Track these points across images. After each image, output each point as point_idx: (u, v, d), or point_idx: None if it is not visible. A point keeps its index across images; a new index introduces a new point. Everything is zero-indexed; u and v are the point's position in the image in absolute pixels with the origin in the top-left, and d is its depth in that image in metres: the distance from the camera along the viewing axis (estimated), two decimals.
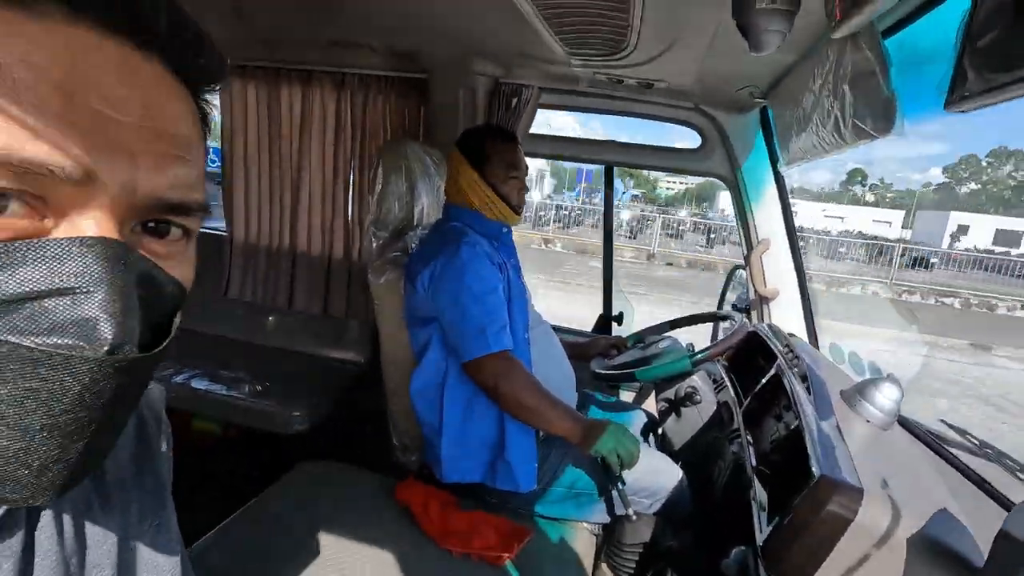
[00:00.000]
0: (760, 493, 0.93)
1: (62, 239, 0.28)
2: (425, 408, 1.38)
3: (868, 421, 0.98)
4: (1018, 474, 0.99)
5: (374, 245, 1.49)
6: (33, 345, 0.27)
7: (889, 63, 0.83)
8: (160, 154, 0.31)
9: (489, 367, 1.24)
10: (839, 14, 0.74)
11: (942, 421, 1.20)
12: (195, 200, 0.34)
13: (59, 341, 0.27)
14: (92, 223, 0.29)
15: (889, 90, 0.85)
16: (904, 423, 1.12)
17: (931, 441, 1.09)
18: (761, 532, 0.83)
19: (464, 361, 1.27)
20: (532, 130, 1.85)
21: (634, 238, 18.10)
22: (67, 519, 0.37)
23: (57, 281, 0.27)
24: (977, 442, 1.11)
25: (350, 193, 2.02)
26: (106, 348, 0.28)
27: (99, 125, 0.28)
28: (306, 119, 1.99)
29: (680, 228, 19.98)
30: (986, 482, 1.00)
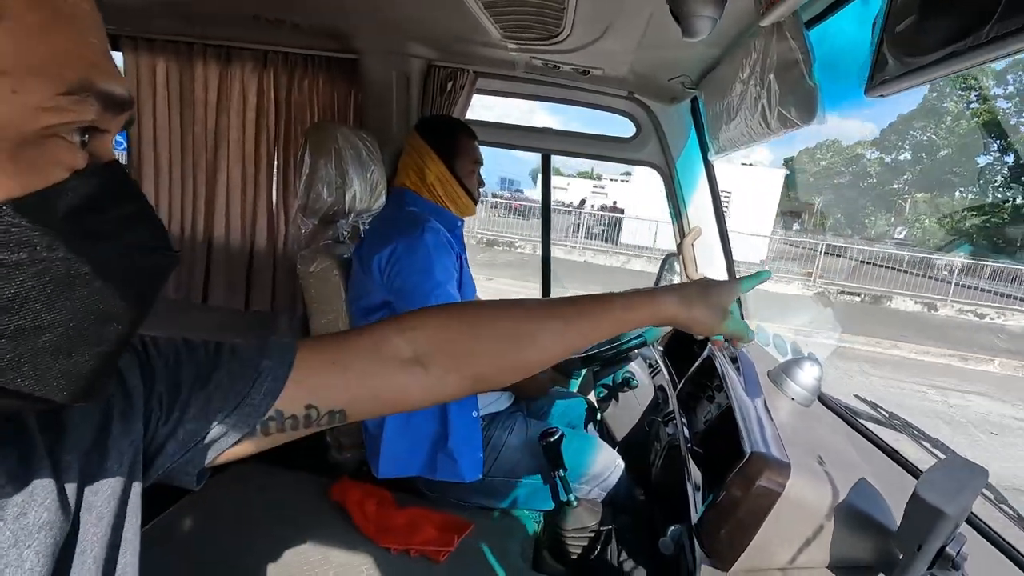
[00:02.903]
0: (695, 473, 0.95)
1: (109, 164, 0.31)
2: None
3: (792, 399, 1.02)
4: (922, 442, 1.08)
5: (303, 232, 1.41)
6: (115, 246, 0.30)
7: (812, 52, 0.87)
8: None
9: None
10: (766, 2, 0.75)
11: (856, 396, 1.28)
12: None
13: (134, 240, 0.31)
14: (111, 140, 0.32)
15: (811, 80, 0.88)
16: (823, 399, 1.19)
17: (847, 415, 1.16)
18: (696, 511, 0.85)
19: None
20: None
21: None
22: None
23: (112, 196, 0.31)
24: (887, 414, 1.19)
25: (274, 179, 1.91)
26: (168, 244, 0.33)
27: (108, 54, 0.30)
28: (224, 99, 1.85)
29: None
30: (895, 451, 1.08)
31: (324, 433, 1.50)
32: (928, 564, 0.64)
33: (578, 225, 15.63)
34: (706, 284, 0.65)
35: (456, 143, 1.40)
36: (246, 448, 0.49)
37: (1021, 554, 0.77)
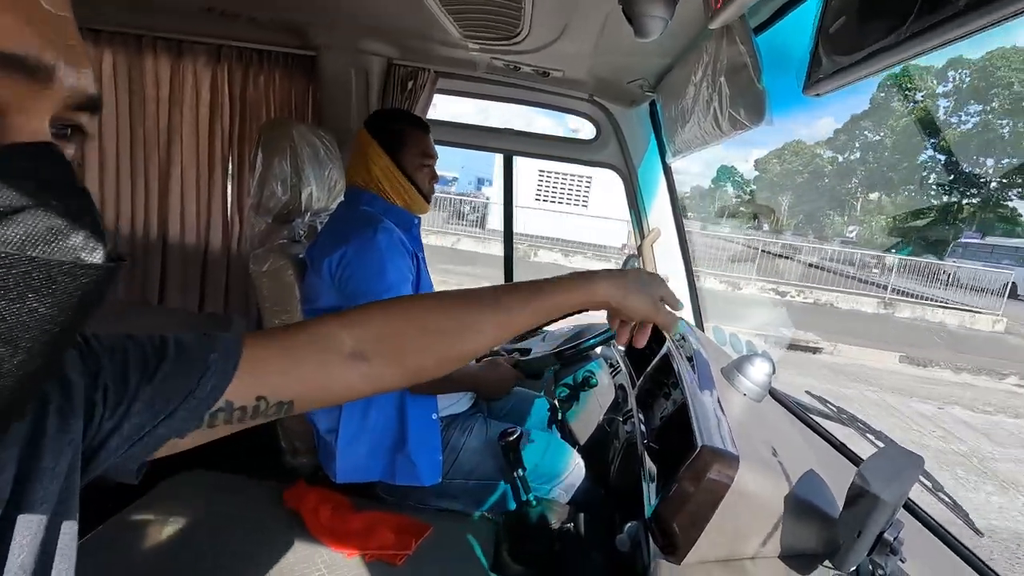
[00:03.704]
0: (650, 468, 0.96)
1: (37, 144, 0.26)
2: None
3: (744, 394, 1.05)
4: (867, 435, 1.12)
5: (256, 231, 1.38)
6: (36, 255, 0.24)
7: (760, 57, 0.89)
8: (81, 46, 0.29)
9: None
10: (715, 4, 0.77)
11: (807, 392, 1.32)
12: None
13: (58, 249, 0.25)
14: (40, 124, 0.27)
15: (759, 82, 0.91)
16: (774, 395, 1.22)
17: (796, 410, 1.19)
18: (650, 505, 0.86)
19: None
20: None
21: None
22: None
23: (27, 188, 0.25)
24: (835, 408, 1.23)
25: (228, 177, 1.85)
26: (102, 255, 0.27)
27: (54, 21, 0.27)
28: (176, 94, 1.79)
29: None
30: (842, 444, 1.12)
31: (278, 437, 1.46)
32: (868, 549, 0.66)
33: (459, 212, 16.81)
34: (642, 273, 0.68)
35: (401, 135, 1.33)
36: (191, 440, 0.48)
37: (954, 537, 0.80)
